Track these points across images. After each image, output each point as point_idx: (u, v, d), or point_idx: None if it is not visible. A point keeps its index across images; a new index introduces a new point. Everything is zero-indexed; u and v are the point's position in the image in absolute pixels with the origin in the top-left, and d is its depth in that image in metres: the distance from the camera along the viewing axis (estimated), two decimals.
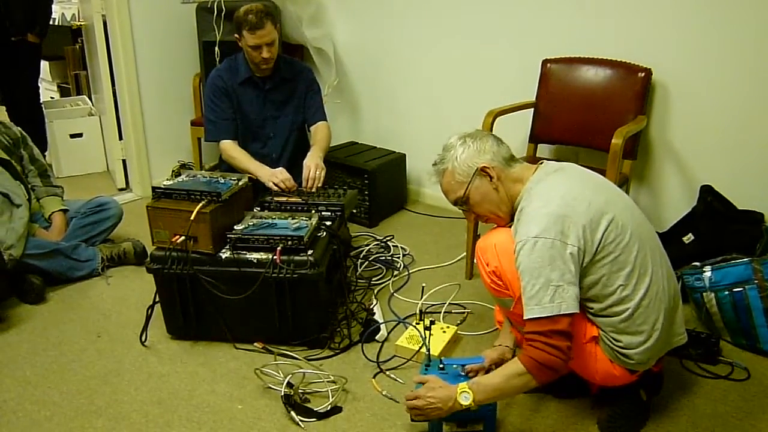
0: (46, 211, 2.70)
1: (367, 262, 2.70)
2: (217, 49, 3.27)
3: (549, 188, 1.58)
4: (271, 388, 1.89)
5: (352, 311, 2.27)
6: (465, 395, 1.51)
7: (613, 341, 1.58)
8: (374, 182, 3.10)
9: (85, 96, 4.69)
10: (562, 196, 1.54)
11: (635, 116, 2.44)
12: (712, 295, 2.07)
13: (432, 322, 2.06)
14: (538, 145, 2.76)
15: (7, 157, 2.58)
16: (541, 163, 1.69)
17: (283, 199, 2.39)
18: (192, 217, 1.94)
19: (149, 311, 2.13)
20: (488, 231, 1.78)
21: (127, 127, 3.57)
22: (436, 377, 1.63)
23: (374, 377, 1.95)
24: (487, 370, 1.71)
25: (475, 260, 2.62)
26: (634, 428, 1.71)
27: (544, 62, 2.68)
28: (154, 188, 2.07)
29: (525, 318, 1.48)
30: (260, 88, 2.72)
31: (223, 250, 2.03)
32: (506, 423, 1.76)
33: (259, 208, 2.32)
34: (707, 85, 2.42)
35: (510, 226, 1.67)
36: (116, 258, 2.69)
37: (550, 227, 1.48)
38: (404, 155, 3.36)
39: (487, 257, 1.69)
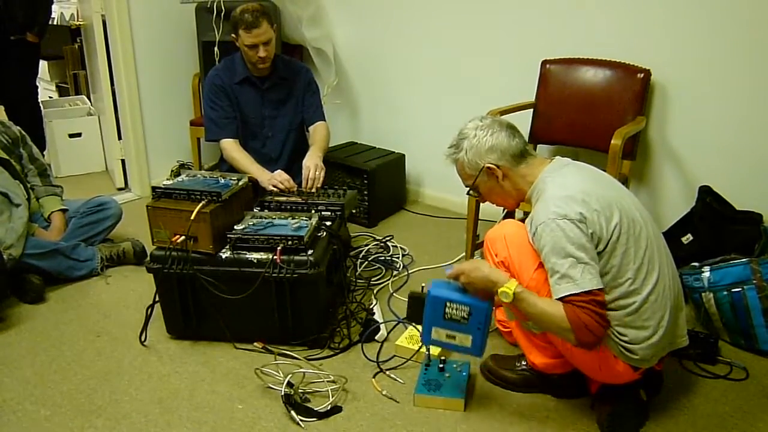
0: (45, 211, 2.69)
1: (366, 262, 2.71)
2: (216, 49, 3.27)
3: (564, 178, 1.63)
4: (271, 387, 1.89)
5: (351, 311, 2.27)
6: (505, 294, 1.55)
7: (619, 336, 1.59)
8: (374, 182, 3.10)
9: (83, 96, 4.69)
10: (578, 183, 1.60)
11: (634, 117, 2.45)
12: (711, 295, 2.08)
13: None
14: (538, 145, 2.76)
15: (7, 157, 2.58)
16: (554, 158, 1.73)
17: (283, 199, 2.39)
18: (192, 217, 1.94)
19: (149, 311, 2.13)
20: (497, 223, 1.83)
21: (126, 127, 3.57)
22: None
23: (374, 377, 1.95)
24: None
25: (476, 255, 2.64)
26: (634, 428, 1.71)
27: (544, 63, 2.69)
28: (154, 188, 2.07)
29: (559, 296, 1.51)
30: (258, 87, 2.72)
31: (223, 250, 2.03)
32: (505, 422, 1.76)
33: (259, 208, 2.32)
34: (706, 85, 2.43)
35: (523, 216, 1.69)
36: (115, 258, 2.68)
37: (571, 208, 1.52)
38: (403, 155, 3.37)
39: (496, 248, 1.73)
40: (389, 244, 2.89)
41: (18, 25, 3.81)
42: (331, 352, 2.07)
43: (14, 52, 3.87)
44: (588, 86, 2.58)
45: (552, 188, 1.61)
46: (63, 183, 2.89)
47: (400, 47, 3.37)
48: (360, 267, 2.66)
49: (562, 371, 1.80)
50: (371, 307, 2.32)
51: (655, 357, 1.63)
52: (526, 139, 1.77)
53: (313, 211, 2.26)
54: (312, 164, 2.53)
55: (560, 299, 1.51)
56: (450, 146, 1.77)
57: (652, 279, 1.57)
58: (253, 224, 2.09)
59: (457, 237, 2.92)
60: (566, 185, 1.60)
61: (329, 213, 2.30)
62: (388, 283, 2.55)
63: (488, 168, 1.69)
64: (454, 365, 1.93)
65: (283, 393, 1.80)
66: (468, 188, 1.79)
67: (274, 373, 1.90)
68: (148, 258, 2.10)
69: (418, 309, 1.72)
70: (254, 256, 2.00)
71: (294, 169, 2.61)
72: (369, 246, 2.85)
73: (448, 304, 1.67)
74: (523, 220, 1.77)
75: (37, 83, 4.25)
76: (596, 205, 1.54)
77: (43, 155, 2.94)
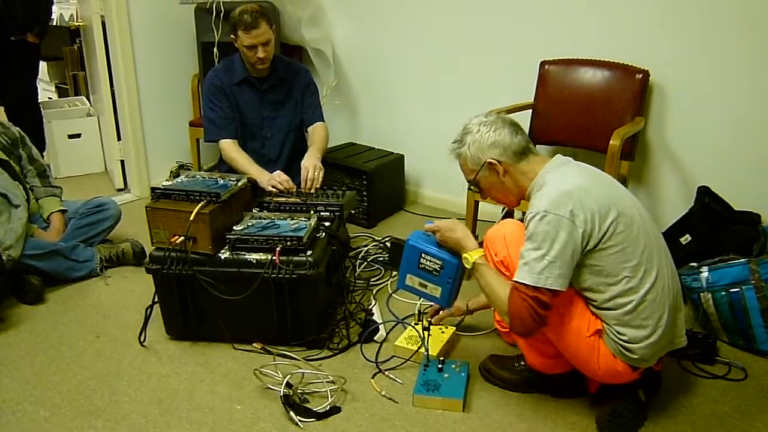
0: (44, 212, 2.69)
1: (365, 263, 2.71)
2: (215, 50, 3.28)
3: (564, 175, 1.64)
4: (270, 388, 1.89)
5: (350, 312, 2.27)
6: (467, 260, 1.73)
7: (617, 335, 1.59)
8: (373, 183, 3.10)
9: (83, 96, 4.69)
10: (576, 180, 1.61)
11: (633, 117, 2.45)
12: (710, 295, 2.08)
13: (430, 323, 2.07)
14: (537, 146, 2.76)
15: (6, 158, 2.58)
16: (555, 156, 1.74)
17: (282, 199, 2.39)
18: (191, 218, 1.94)
19: (148, 312, 2.13)
20: (497, 223, 1.85)
21: (126, 128, 3.57)
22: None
23: (373, 377, 1.95)
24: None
25: None
26: (633, 428, 1.71)
27: (542, 64, 2.69)
28: (153, 189, 2.07)
29: (513, 279, 1.58)
30: (257, 88, 2.72)
31: (222, 251, 2.03)
32: (504, 422, 1.76)
33: (258, 209, 2.32)
34: (705, 86, 2.43)
35: (522, 216, 1.72)
36: (115, 258, 2.69)
37: (562, 204, 1.54)
38: (403, 156, 3.37)
39: (496, 247, 1.74)
40: (388, 244, 2.89)
41: (18, 25, 3.81)
42: (330, 353, 2.08)
43: (14, 52, 3.88)
44: (587, 87, 2.58)
45: (550, 184, 1.63)
46: (62, 184, 2.89)
47: (399, 48, 3.38)
48: (359, 268, 2.66)
49: (561, 371, 1.81)
50: (370, 307, 2.32)
51: (654, 357, 1.63)
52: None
53: (312, 212, 2.26)
54: (310, 165, 2.53)
55: (514, 282, 1.57)
56: (454, 141, 1.79)
57: (650, 278, 1.57)
58: (252, 225, 2.09)
59: None
60: (564, 182, 1.61)
61: (328, 213, 2.30)
62: (387, 284, 2.55)
63: (490, 163, 1.70)
64: (453, 366, 1.93)
65: (282, 393, 1.80)
66: (469, 183, 1.80)
67: (273, 373, 1.91)
68: (147, 259, 2.10)
69: (398, 255, 1.90)
70: (253, 256, 2.00)
71: (293, 170, 2.61)
72: (368, 247, 2.86)
73: (423, 255, 1.82)
74: (522, 220, 1.78)
75: (37, 84, 4.25)
76: (591, 202, 1.55)
77: (43, 156, 2.94)
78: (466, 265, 1.74)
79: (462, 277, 1.86)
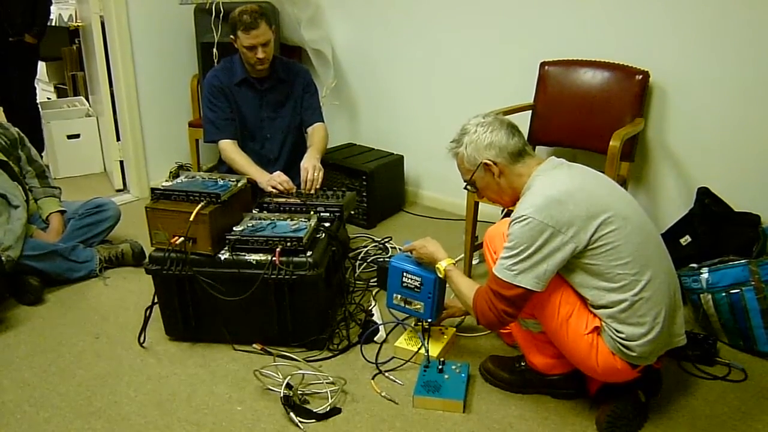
0: (43, 212, 2.69)
1: (365, 264, 2.71)
2: (215, 50, 3.27)
3: (553, 178, 1.66)
4: (270, 389, 1.89)
5: (350, 312, 2.27)
6: (438, 270, 1.86)
7: (615, 332, 1.60)
8: (372, 183, 3.10)
9: (82, 97, 4.68)
10: (565, 183, 1.62)
11: (633, 118, 2.45)
12: (709, 296, 2.08)
13: (431, 324, 2.07)
14: (536, 147, 2.76)
15: (5, 158, 2.58)
16: (548, 159, 1.74)
17: (282, 200, 2.39)
18: (191, 218, 1.94)
19: (148, 312, 2.12)
20: (497, 222, 1.86)
21: (125, 129, 3.57)
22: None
23: (373, 378, 1.95)
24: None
25: (473, 260, 2.64)
26: (633, 429, 1.71)
27: (542, 65, 2.69)
28: (152, 189, 2.07)
29: (493, 271, 1.65)
30: (256, 89, 2.72)
31: (222, 252, 2.03)
32: (504, 423, 1.76)
33: (258, 210, 2.32)
34: (705, 87, 2.43)
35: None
36: (114, 259, 2.68)
37: (544, 209, 1.56)
38: (402, 157, 3.37)
39: (495, 245, 1.76)
40: (388, 245, 2.89)
41: (16, 26, 3.81)
42: (330, 354, 2.07)
43: (13, 53, 3.87)
44: (586, 88, 2.58)
45: (537, 187, 1.64)
46: (61, 184, 2.89)
47: (398, 49, 3.37)
48: (359, 268, 2.66)
49: (562, 371, 1.81)
50: (370, 308, 2.32)
51: (653, 355, 1.64)
52: (527, 140, 1.79)
53: (312, 213, 2.26)
54: (310, 165, 2.53)
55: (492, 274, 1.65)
56: (452, 140, 1.81)
57: (645, 276, 1.58)
58: (252, 225, 2.09)
59: (456, 238, 2.91)
60: (553, 185, 1.62)
61: (328, 214, 2.30)
62: None
63: (485, 164, 1.72)
64: (453, 367, 1.93)
65: (282, 394, 1.80)
66: (466, 182, 1.82)
67: (273, 374, 1.90)
68: (147, 259, 2.10)
69: (385, 277, 2.04)
70: (253, 257, 2.00)
71: (293, 171, 2.61)
72: (368, 247, 2.86)
73: (404, 274, 1.97)
74: None
75: (36, 84, 4.25)
76: (577, 206, 1.56)
77: (42, 156, 2.94)
78: (439, 274, 1.86)
79: (443, 291, 1.98)
